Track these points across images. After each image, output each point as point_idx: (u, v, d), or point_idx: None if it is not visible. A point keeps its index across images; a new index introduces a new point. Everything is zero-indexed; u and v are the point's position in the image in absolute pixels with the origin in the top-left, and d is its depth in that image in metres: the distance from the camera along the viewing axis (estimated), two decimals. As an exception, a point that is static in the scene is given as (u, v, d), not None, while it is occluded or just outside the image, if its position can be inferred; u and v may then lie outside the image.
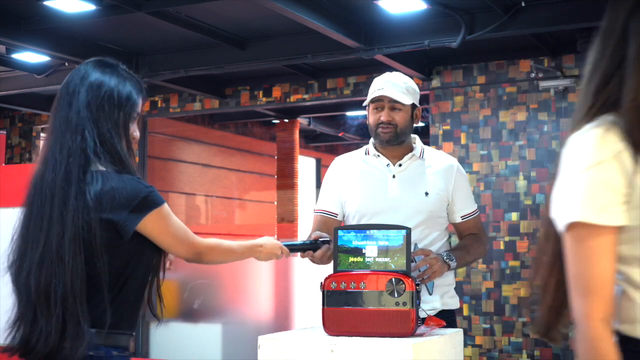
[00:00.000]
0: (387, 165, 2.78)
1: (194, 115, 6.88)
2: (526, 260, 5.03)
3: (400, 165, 2.78)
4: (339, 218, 2.85)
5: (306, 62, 5.21)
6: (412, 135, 2.83)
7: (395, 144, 2.76)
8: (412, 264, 2.39)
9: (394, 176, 2.77)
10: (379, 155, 2.80)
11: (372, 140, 2.86)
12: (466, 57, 5.27)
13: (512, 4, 4.32)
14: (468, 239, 2.84)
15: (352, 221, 2.78)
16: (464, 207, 2.82)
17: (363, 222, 2.66)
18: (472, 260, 2.85)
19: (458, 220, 2.82)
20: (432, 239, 2.75)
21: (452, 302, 2.81)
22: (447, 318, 2.65)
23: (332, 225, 2.81)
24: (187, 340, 6.21)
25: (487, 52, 5.22)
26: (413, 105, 2.76)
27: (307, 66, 5.58)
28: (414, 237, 2.63)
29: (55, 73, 5.67)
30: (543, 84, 5.05)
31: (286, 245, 2.36)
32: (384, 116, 2.73)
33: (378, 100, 2.73)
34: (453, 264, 2.64)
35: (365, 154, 2.85)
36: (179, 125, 7.05)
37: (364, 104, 2.79)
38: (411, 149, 2.80)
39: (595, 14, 4.20)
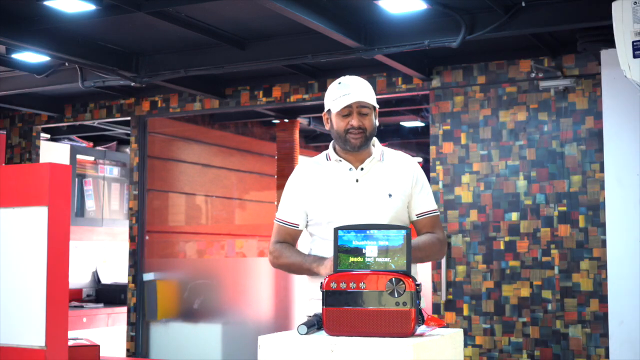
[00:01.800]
0: (350, 169, 2.82)
1: (194, 115, 6.88)
2: (526, 260, 5.03)
3: (362, 169, 2.81)
4: (300, 228, 2.91)
5: (306, 62, 5.20)
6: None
7: (363, 149, 2.80)
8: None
9: (357, 180, 2.81)
10: (340, 160, 2.83)
11: (332, 145, 2.88)
12: (466, 57, 5.27)
13: (512, 4, 4.32)
14: (422, 236, 2.86)
15: (319, 228, 2.82)
16: (420, 205, 2.86)
17: (330, 227, 2.63)
18: (423, 256, 2.81)
19: (414, 217, 2.86)
20: None
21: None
22: None
23: (294, 235, 2.92)
24: (187, 340, 6.21)
25: (487, 52, 5.22)
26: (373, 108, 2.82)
27: (307, 66, 5.58)
28: None
29: (55, 73, 5.67)
30: (543, 84, 5.05)
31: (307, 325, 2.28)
32: (354, 121, 2.76)
33: (346, 106, 2.75)
34: None
35: (327, 159, 2.88)
36: (179, 125, 7.05)
37: (334, 110, 2.78)
38: (371, 152, 2.84)
39: (595, 14, 4.21)
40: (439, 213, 2.94)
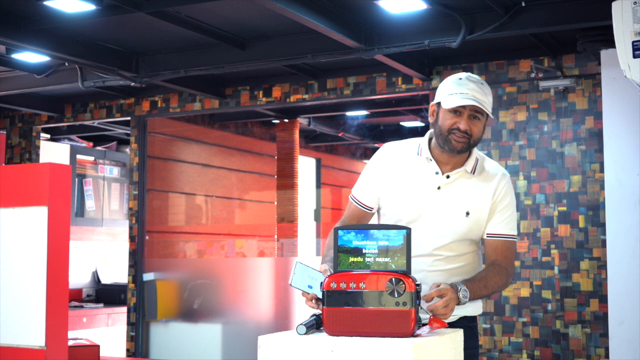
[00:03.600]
0: (436, 173, 2.65)
1: (194, 115, 6.88)
2: (526, 260, 5.03)
3: (448, 177, 2.64)
4: (373, 212, 2.75)
5: (306, 62, 5.20)
6: None
7: (460, 154, 2.62)
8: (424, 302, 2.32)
9: (439, 187, 2.64)
10: (430, 160, 2.66)
11: (427, 137, 2.70)
12: (466, 57, 5.27)
13: (512, 4, 4.32)
14: (490, 270, 2.63)
15: (383, 219, 2.71)
16: (496, 225, 2.66)
17: (394, 223, 2.56)
18: (488, 294, 2.63)
19: (485, 236, 2.68)
20: (460, 252, 2.67)
21: (474, 308, 2.70)
22: (468, 324, 2.62)
23: (360, 217, 2.75)
24: (187, 340, 6.21)
25: (487, 52, 5.22)
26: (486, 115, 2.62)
27: (307, 66, 5.58)
28: (443, 252, 2.60)
29: (55, 73, 5.67)
30: (543, 84, 5.05)
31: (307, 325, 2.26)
32: (462, 124, 2.56)
33: (460, 106, 2.56)
34: (464, 300, 2.45)
35: (418, 153, 2.70)
36: (179, 125, 7.05)
37: (445, 105, 2.58)
38: (465, 160, 2.66)
39: (595, 14, 4.21)
40: (516, 241, 2.70)
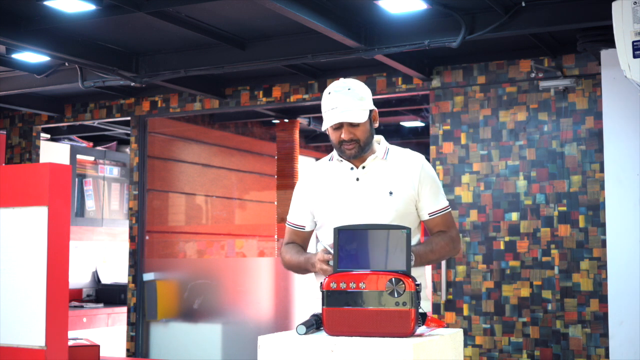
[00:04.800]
0: (351, 168, 2.80)
1: (194, 115, 6.88)
2: (526, 260, 5.03)
3: (363, 167, 2.79)
4: (307, 229, 2.92)
5: (306, 62, 5.20)
6: (376, 137, 2.84)
7: (359, 157, 2.77)
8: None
9: (357, 179, 2.79)
10: (341, 160, 2.81)
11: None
12: (466, 57, 5.27)
13: (512, 4, 4.32)
14: (435, 237, 2.82)
15: (322, 230, 2.83)
16: (430, 204, 2.81)
17: (331, 228, 2.63)
18: (436, 258, 2.81)
19: (425, 217, 2.83)
20: None
21: (423, 305, 2.80)
22: None
23: (303, 237, 2.94)
24: (187, 340, 6.21)
25: (487, 52, 5.22)
26: (370, 111, 2.75)
27: (307, 66, 5.58)
28: None
29: (55, 73, 5.67)
30: (543, 84, 5.05)
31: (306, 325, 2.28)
32: (345, 135, 2.72)
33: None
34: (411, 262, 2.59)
35: (330, 160, 2.87)
36: (179, 125, 7.05)
37: (323, 126, 2.75)
38: (374, 151, 2.81)
39: (595, 14, 4.21)
40: (450, 209, 2.89)
